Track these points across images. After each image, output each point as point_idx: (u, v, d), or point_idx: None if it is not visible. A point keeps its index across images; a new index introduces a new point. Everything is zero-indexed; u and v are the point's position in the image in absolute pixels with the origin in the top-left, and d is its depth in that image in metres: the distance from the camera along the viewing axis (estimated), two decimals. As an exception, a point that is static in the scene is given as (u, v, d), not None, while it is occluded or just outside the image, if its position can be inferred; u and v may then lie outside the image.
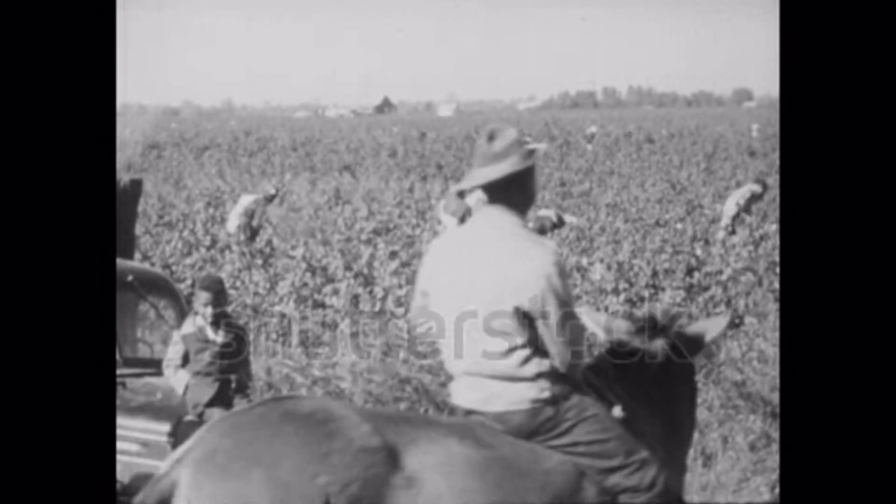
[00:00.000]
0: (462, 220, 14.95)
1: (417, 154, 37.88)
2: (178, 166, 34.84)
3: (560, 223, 16.53)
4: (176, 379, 5.85)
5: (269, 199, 16.69)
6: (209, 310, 5.79)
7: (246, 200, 16.21)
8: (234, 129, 58.07)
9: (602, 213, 19.01)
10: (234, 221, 15.73)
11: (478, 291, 3.70)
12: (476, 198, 16.46)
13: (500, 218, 3.78)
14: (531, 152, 3.81)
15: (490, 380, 3.75)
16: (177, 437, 5.69)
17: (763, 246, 13.02)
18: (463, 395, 3.83)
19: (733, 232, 15.22)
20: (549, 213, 16.86)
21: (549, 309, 3.67)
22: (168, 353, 5.95)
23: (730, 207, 16.09)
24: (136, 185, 7.98)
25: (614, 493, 3.79)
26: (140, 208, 13.26)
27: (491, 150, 3.78)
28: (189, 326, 5.90)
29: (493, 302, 3.68)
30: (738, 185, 21.56)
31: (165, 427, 5.75)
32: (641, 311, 4.53)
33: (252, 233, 15.51)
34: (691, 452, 6.03)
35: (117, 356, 6.22)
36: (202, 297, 5.81)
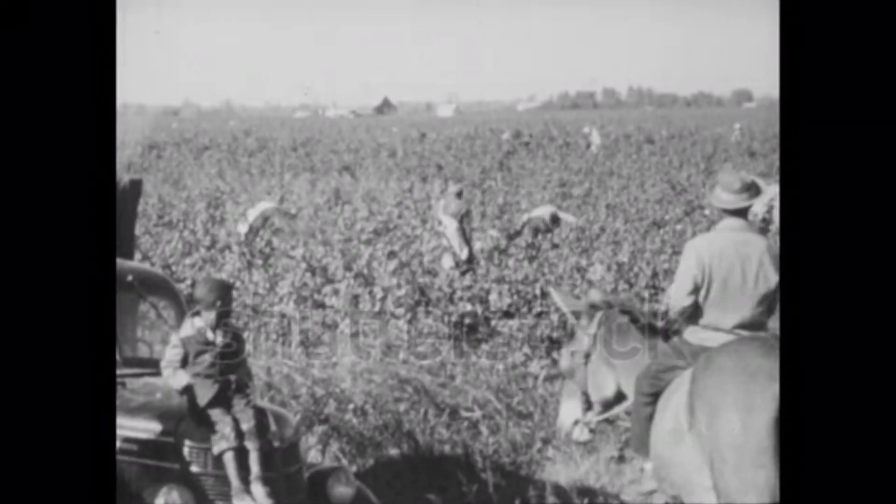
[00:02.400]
0: (461, 220, 14.90)
1: (417, 154, 37.88)
2: (178, 166, 34.85)
3: (555, 222, 16.49)
4: (175, 379, 5.82)
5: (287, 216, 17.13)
6: (215, 313, 5.75)
7: (263, 206, 16.39)
8: (233, 129, 58.01)
9: (602, 213, 19.01)
10: (245, 225, 15.89)
11: (757, 271, 5.41)
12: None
13: (745, 225, 5.57)
14: None
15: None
16: (176, 436, 5.68)
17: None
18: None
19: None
20: (543, 214, 16.85)
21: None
22: (166, 356, 5.89)
23: (759, 209, 15.32)
24: (136, 185, 7.94)
25: None
26: (140, 208, 13.25)
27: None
28: (188, 329, 5.85)
29: (765, 278, 5.43)
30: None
31: (165, 427, 5.73)
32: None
33: (254, 234, 15.61)
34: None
35: (117, 356, 6.21)
36: (210, 298, 5.75)
